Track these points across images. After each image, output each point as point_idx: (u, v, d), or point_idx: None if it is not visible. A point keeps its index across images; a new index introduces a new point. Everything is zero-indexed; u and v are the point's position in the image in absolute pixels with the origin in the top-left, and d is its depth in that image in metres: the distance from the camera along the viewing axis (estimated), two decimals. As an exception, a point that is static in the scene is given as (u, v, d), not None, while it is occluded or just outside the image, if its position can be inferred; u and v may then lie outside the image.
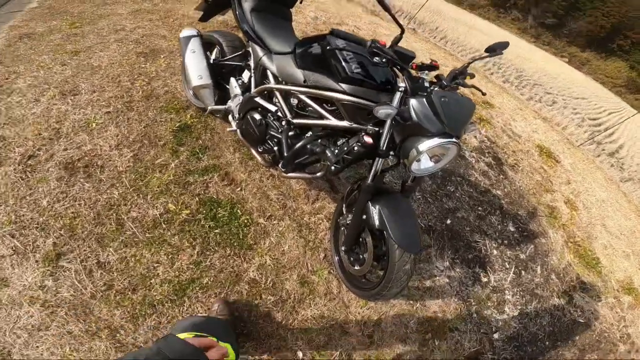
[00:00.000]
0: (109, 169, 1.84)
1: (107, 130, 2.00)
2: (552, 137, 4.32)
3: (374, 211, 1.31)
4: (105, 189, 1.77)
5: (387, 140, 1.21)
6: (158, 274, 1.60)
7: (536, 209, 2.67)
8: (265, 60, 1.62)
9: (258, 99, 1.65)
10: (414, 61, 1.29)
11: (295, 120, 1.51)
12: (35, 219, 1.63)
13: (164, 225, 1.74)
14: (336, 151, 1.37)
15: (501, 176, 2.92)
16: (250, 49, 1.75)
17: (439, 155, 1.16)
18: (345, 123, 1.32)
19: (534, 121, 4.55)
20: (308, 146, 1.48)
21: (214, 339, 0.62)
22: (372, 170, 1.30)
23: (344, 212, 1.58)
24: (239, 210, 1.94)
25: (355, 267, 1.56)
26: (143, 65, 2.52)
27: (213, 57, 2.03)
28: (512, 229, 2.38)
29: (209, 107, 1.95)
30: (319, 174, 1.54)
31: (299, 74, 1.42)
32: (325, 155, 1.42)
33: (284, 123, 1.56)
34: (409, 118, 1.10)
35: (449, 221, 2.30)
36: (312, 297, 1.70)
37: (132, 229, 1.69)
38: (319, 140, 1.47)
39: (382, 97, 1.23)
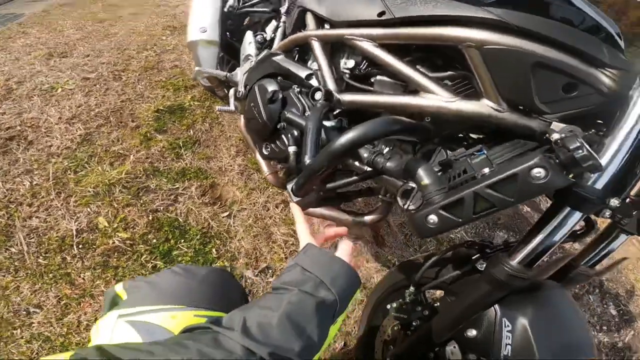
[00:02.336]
0: (39, 148, 1.19)
1: (70, 98, 1.41)
2: None
3: (509, 327, 0.50)
4: (15, 174, 1.10)
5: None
6: (32, 323, 0.87)
7: None
8: None
9: (280, 59, 0.88)
10: None
11: (345, 97, 0.69)
12: None
13: (75, 250, 0.99)
14: (425, 173, 0.50)
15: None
16: None
17: None
18: (481, 106, 0.53)
19: None
20: (364, 155, 0.62)
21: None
22: (536, 242, 0.46)
23: (409, 294, 0.67)
24: (213, 250, 1.11)
25: None
26: (164, 38, 2.01)
27: (230, 3, 1.36)
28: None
29: (197, 69, 1.23)
30: (367, 218, 0.80)
31: (376, 3, 0.66)
32: (390, 182, 0.65)
33: (318, 100, 0.71)
34: None
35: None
36: None
37: (21, 245, 0.96)
38: (392, 147, 0.66)
39: (605, 55, 0.45)
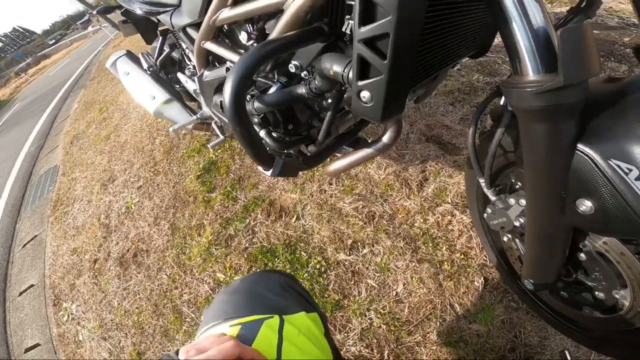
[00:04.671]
0: (153, 250, 1.61)
1: (142, 208, 1.81)
2: None
3: (628, 169, 0.30)
4: (155, 274, 1.54)
5: None
6: None
7: None
8: (175, 18, 0.95)
9: (207, 74, 0.91)
10: None
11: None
12: (114, 320, 1.54)
13: (222, 301, 1.40)
14: (329, 63, 0.48)
15: None
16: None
17: None
18: None
19: None
20: (302, 91, 0.58)
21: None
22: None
23: (487, 189, 0.53)
24: (302, 253, 1.34)
25: (574, 309, 0.59)
26: (159, 121, 2.30)
27: (145, 66, 1.44)
28: None
29: (170, 130, 1.30)
30: (385, 137, 0.65)
31: None
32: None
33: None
34: None
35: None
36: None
37: (189, 314, 1.40)
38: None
39: None
